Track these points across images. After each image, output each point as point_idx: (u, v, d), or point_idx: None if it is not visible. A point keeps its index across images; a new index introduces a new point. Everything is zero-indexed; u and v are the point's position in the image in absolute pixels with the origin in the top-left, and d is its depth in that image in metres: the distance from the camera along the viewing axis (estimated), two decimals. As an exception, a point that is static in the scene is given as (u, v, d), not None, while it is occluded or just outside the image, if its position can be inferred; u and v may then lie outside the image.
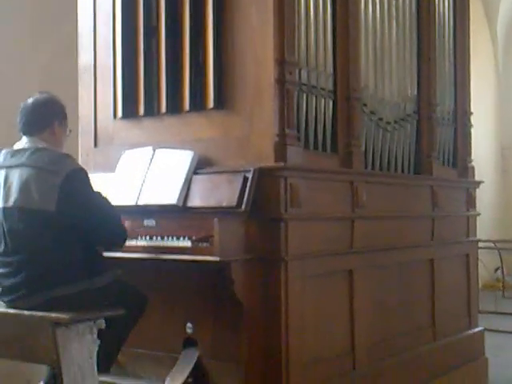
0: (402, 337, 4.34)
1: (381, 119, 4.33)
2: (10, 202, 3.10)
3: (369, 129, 4.21)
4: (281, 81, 3.47)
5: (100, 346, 3.19)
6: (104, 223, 3.20)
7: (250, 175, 3.37)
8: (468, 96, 5.36)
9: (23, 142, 3.25)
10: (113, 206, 3.30)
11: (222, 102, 3.64)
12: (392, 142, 4.43)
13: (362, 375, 3.89)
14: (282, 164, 3.40)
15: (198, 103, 3.72)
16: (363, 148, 4.12)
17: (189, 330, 3.65)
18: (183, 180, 3.56)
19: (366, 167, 4.15)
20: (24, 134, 3.26)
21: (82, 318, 2.99)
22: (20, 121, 3.27)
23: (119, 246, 3.35)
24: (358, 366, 3.88)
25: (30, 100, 3.30)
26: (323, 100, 3.80)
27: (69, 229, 3.07)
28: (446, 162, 5.08)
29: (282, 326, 3.35)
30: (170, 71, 3.80)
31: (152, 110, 3.90)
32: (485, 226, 7.48)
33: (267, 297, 3.38)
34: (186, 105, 3.76)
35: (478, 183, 5.41)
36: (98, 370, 3.27)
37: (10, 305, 3.12)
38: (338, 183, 3.83)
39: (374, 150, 4.26)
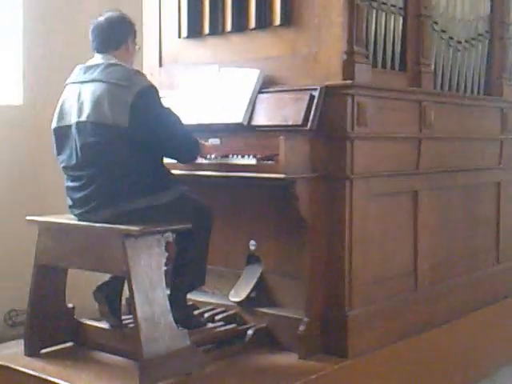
0: (464, 259, 4.33)
1: (451, 38, 4.22)
2: (84, 117, 3.15)
3: (439, 48, 4.11)
4: (350, -4, 3.39)
5: (188, 266, 3.34)
6: (176, 137, 3.25)
7: (316, 93, 3.34)
8: (543, 16, 5.14)
9: (96, 59, 3.28)
10: (182, 122, 3.32)
11: (288, 18, 3.58)
12: (462, 62, 4.32)
13: (424, 295, 3.91)
14: (349, 82, 3.35)
15: (264, 20, 3.67)
16: (432, 67, 4.02)
17: (252, 247, 3.72)
18: (249, 99, 3.55)
19: (434, 87, 4.06)
20: (98, 51, 3.29)
21: (150, 230, 3.05)
22: (94, 39, 3.29)
23: (194, 158, 3.41)
24: (420, 287, 3.90)
25: (103, 18, 3.31)
26: (393, 17, 3.71)
27: (139, 145, 3.12)
28: (517, 84, 4.92)
29: (345, 244, 3.38)
30: (236, -12, 3.75)
31: (217, 29, 3.88)
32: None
33: (331, 214, 3.40)
34: (252, 22, 3.72)
35: (550, 106, 5.23)
36: (195, 287, 3.46)
37: (80, 218, 3.22)
38: (406, 102, 3.76)
39: (443, 69, 4.16)
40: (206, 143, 3.49)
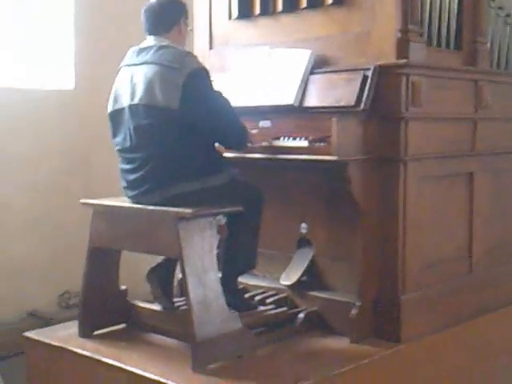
0: (521, 243, 4.22)
1: (508, 15, 4.10)
2: (136, 100, 3.16)
3: (495, 25, 4.01)
4: (404, -26, 3.31)
5: (239, 250, 3.34)
6: (225, 122, 3.23)
7: (369, 73, 3.28)
8: None
9: (149, 41, 3.28)
10: (232, 107, 3.30)
11: (341, -3, 3.52)
12: (519, 40, 4.19)
13: (479, 279, 3.84)
14: (404, 61, 3.27)
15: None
16: (489, 45, 3.91)
17: (303, 230, 3.69)
18: (300, 80, 3.50)
19: (491, 66, 3.96)
20: (150, 33, 3.29)
21: (203, 212, 3.05)
22: (146, 21, 3.29)
23: (241, 146, 3.38)
24: (475, 270, 3.82)
25: (155, 0, 3.30)
26: (448, -6, 3.62)
27: (191, 127, 3.11)
28: None
29: (399, 227, 3.32)
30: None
31: (268, 9, 3.84)
32: None
33: (384, 197, 3.34)
34: (303, 2, 3.66)
35: None
36: (246, 270, 3.47)
37: (134, 200, 3.24)
38: (462, 82, 3.67)
39: (500, 47, 4.06)
40: (254, 131, 3.44)
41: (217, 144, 3.33)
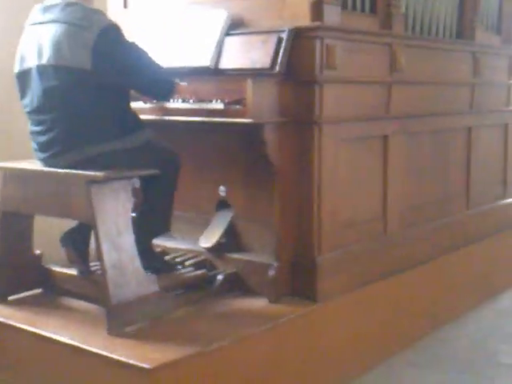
0: (434, 204, 4.35)
1: (423, -20, 4.14)
2: (44, 60, 3.07)
3: (411, -11, 4.03)
4: None
5: (153, 213, 3.32)
6: (147, 74, 3.18)
7: (284, 35, 3.28)
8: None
9: None
10: (151, 57, 3.24)
11: (255, -43, 3.50)
12: (434, 5, 4.25)
13: (393, 240, 3.93)
14: (318, 23, 3.28)
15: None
16: (403, 10, 3.95)
17: (222, 193, 3.70)
18: (216, 41, 3.48)
19: (405, 30, 4.00)
20: None
21: (115, 175, 3.02)
22: None
23: (169, 95, 3.34)
24: (390, 231, 3.91)
25: None
26: (363, -44, 3.63)
27: (105, 87, 3.05)
28: (489, 28, 4.88)
29: (314, 189, 3.36)
30: None
31: (183, -32, 3.78)
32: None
33: (300, 159, 3.37)
34: (219, -39, 3.62)
35: (523, 51, 5.21)
36: (160, 233, 3.45)
37: (44, 163, 3.17)
38: (377, 46, 3.71)
39: (414, 12, 4.11)
40: (181, 82, 3.40)
41: (135, 104, 3.27)
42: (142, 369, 2.64)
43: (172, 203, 3.40)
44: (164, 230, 3.45)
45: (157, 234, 3.46)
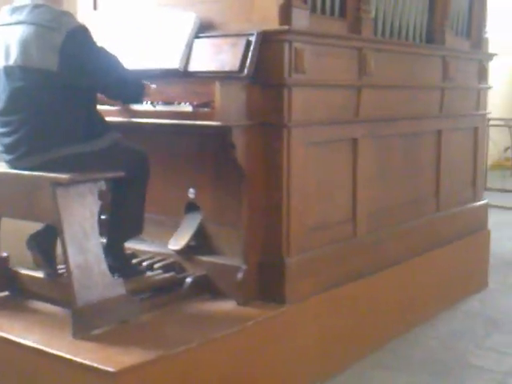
0: (404, 206, 4.37)
1: (393, -16, 4.16)
2: (11, 61, 3.06)
3: (380, -6, 4.05)
4: None
5: (124, 215, 3.32)
6: (115, 78, 3.17)
7: (253, 39, 3.28)
8: (486, -39, 5.13)
9: (23, 0, 3.16)
10: (120, 61, 3.23)
11: (225, -39, 3.49)
12: (404, 9, 4.27)
13: (363, 242, 3.95)
14: (286, 27, 3.29)
15: (201, -38, 3.58)
16: (373, 14, 3.97)
17: (191, 195, 3.70)
18: (185, 44, 3.48)
19: (375, 34, 4.02)
20: None
21: (81, 178, 3.00)
22: None
23: (139, 98, 3.34)
24: (359, 233, 3.93)
25: None
26: (332, -40, 3.64)
27: (71, 89, 3.04)
28: (459, 32, 4.93)
29: (283, 191, 3.36)
30: None
31: (154, -30, 3.77)
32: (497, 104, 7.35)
33: (269, 163, 3.37)
34: (186, -37, 3.62)
35: (492, 56, 5.26)
36: (132, 235, 3.44)
37: (11, 165, 3.15)
38: (346, 49, 3.72)
39: (384, 16, 4.11)
40: (151, 84, 3.39)
41: (101, 106, 3.26)
42: (106, 372, 2.63)
43: (143, 205, 3.40)
44: (136, 232, 3.45)
45: (129, 237, 3.46)
